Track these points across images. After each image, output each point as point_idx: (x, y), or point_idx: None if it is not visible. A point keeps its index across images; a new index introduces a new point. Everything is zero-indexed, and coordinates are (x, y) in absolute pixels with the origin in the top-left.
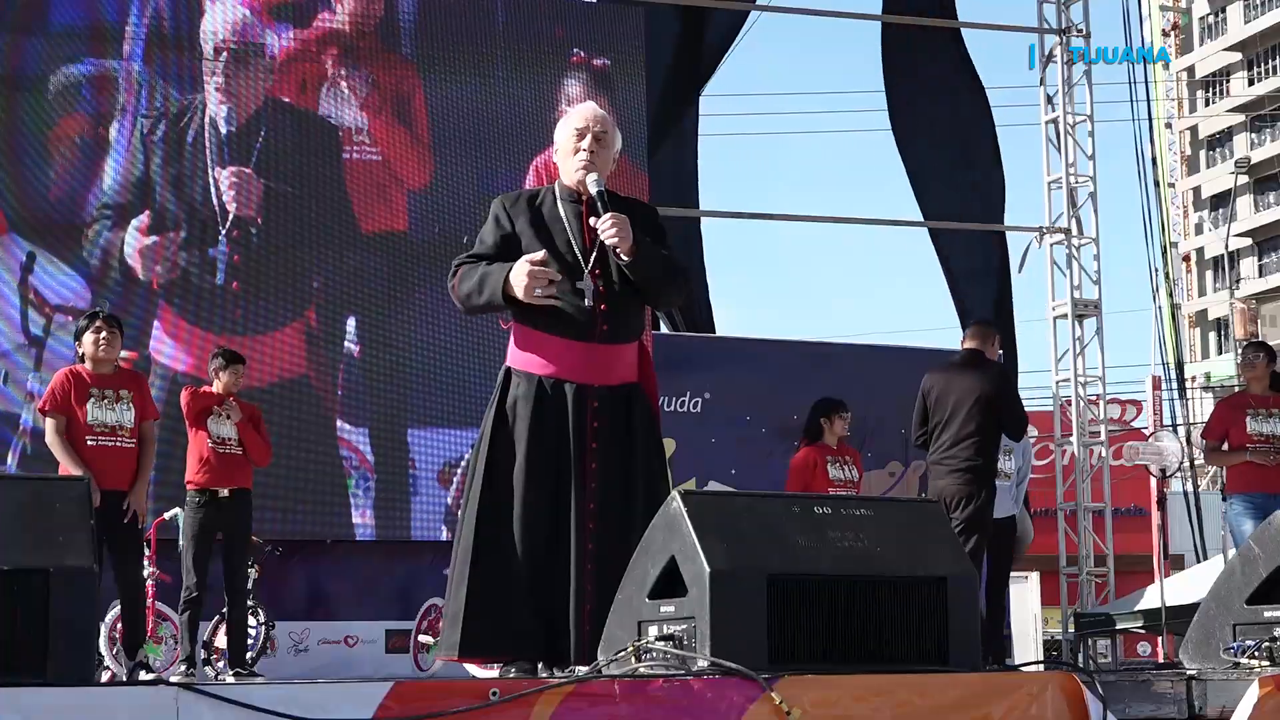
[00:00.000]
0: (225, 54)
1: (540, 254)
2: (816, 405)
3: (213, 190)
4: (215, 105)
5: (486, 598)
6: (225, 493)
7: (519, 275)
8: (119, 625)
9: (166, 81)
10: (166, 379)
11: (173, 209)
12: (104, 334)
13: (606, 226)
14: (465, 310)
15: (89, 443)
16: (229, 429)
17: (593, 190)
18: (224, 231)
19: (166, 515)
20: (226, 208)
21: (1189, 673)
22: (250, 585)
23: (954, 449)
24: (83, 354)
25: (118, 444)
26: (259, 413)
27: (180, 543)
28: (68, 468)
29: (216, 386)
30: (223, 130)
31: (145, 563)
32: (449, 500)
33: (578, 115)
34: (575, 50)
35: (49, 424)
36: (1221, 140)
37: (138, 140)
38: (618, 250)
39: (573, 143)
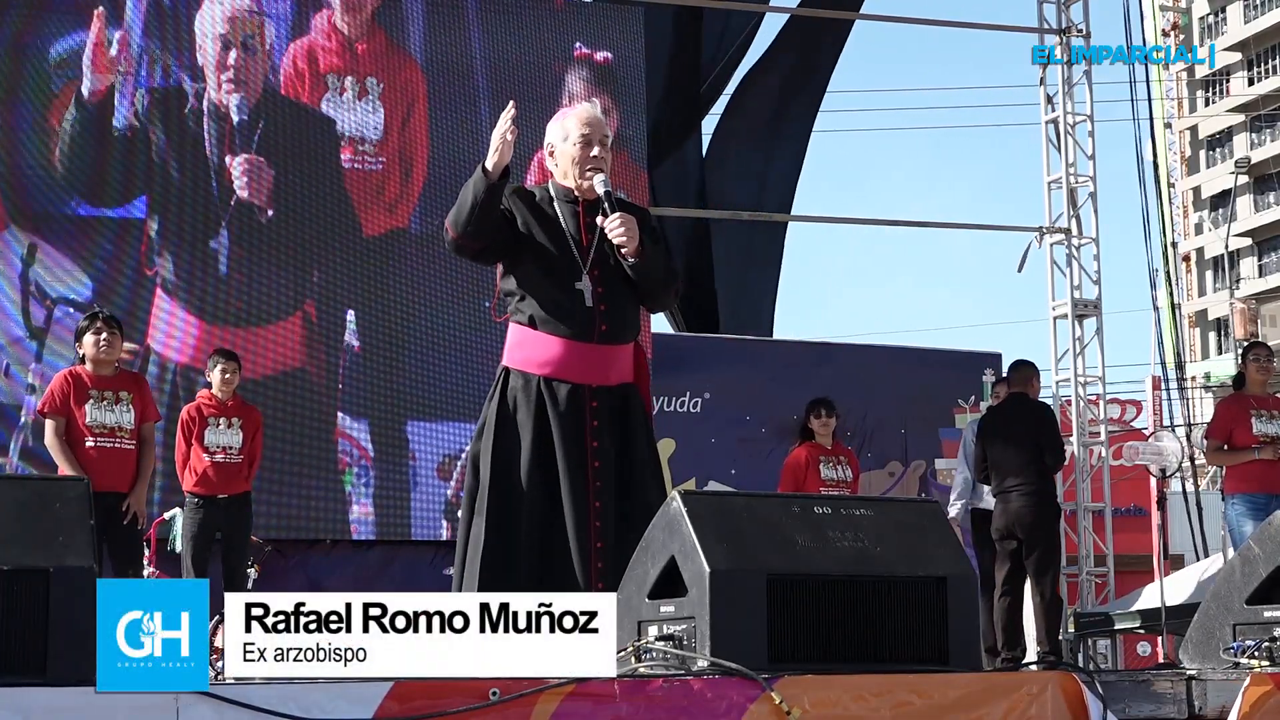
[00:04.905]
0: (227, 43)
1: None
2: (807, 405)
3: (213, 179)
4: (221, 93)
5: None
6: (224, 496)
7: (491, 143)
8: None
9: (168, 60)
10: (166, 370)
11: (175, 198)
12: (104, 335)
13: (615, 226)
14: (461, 237)
15: (88, 444)
16: (230, 436)
17: (600, 190)
18: (225, 221)
19: (166, 515)
20: (239, 195)
21: (1189, 673)
22: (250, 585)
23: (1021, 478)
24: (83, 354)
25: (117, 445)
26: (260, 421)
27: (179, 544)
28: (65, 471)
29: (215, 387)
30: (234, 119)
31: (145, 563)
32: (448, 493)
33: (582, 122)
34: (577, 45)
35: (48, 425)
36: (1221, 140)
37: (139, 126)
38: (624, 250)
39: (577, 149)
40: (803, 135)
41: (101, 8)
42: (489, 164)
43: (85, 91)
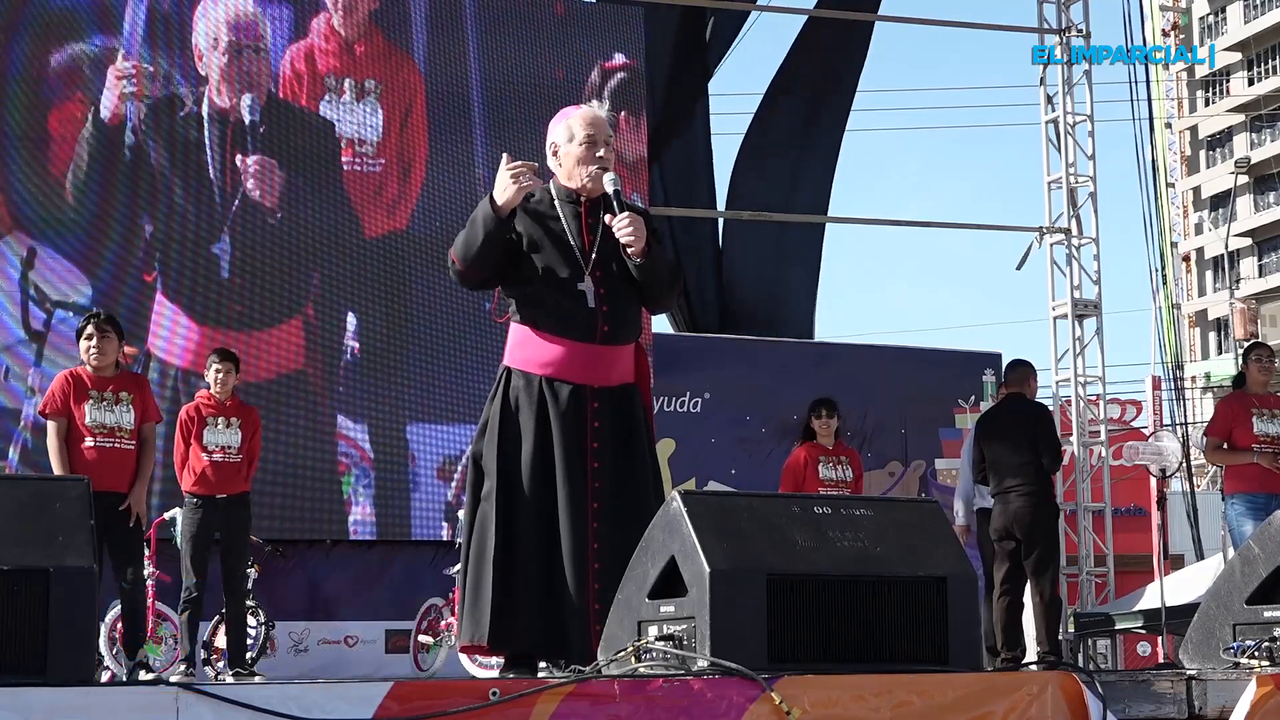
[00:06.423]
0: (227, 47)
1: (515, 164)
2: (809, 406)
3: (214, 184)
4: (224, 96)
5: (512, 592)
6: (222, 496)
7: (500, 181)
8: (119, 625)
9: (170, 67)
10: (167, 375)
11: (175, 202)
12: (94, 342)
13: (624, 225)
14: (468, 270)
15: (88, 444)
16: (228, 435)
17: (609, 189)
18: (228, 226)
19: (166, 515)
20: (251, 196)
21: (1189, 673)
22: (250, 585)
23: (1019, 478)
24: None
25: (117, 445)
26: (259, 421)
27: (179, 543)
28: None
29: (213, 387)
30: (246, 120)
31: (145, 563)
32: (449, 496)
33: (586, 122)
34: (601, 57)
35: (50, 427)
36: (1221, 140)
37: (142, 128)
38: (630, 250)
39: (583, 150)
40: (834, 139)
41: (106, 21)
42: (500, 200)
43: (104, 112)
